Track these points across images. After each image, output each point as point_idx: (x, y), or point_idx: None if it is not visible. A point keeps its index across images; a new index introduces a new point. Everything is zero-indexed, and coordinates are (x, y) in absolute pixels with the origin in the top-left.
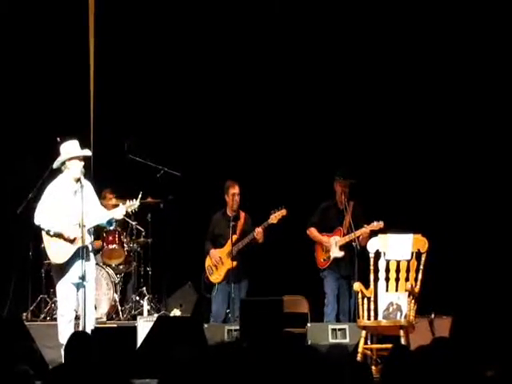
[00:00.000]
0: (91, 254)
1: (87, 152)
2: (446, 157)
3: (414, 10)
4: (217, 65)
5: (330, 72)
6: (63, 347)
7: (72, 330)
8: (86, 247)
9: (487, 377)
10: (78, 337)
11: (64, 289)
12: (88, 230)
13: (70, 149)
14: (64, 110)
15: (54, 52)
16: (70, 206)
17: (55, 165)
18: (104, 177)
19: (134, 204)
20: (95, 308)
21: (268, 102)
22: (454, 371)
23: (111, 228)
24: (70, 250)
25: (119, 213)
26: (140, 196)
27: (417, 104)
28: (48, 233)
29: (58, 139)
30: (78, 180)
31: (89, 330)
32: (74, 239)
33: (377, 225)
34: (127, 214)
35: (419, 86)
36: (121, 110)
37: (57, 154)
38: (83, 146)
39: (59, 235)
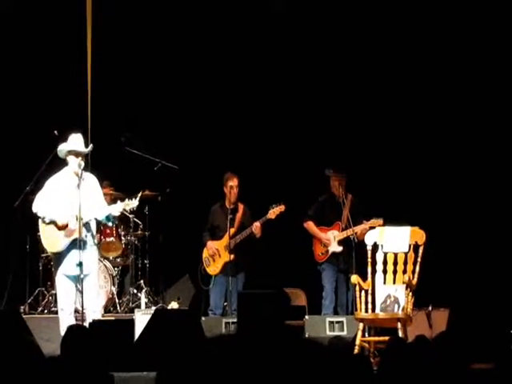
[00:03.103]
0: (93, 248)
1: (80, 147)
2: (443, 150)
3: (411, 8)
4: (214, 58)
5: (329, 67)
6: None
7: (72, 323)
8: (83, 240)
9: (483, 369)
10: (74, 330)
11: (62, 281)
12: (87, 223)
13: (69, 143)
14: (62, 102)
15: (51, 48)
16: (69, 199)
17: (60, 155)
18: (102, 170)
19: (132, 203)
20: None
21: (266, 95)
22: (451, 364)
23: (110, 224)
24: (66, 239)
25: (116, 210)
26: (139, 196)
27: (412, 99)
28: (43, 220)
29: (56, 132)
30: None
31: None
32: (67, 226)
33: (376, 221)
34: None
35: (415, 81)
36: (119, 103)
37: (54, 147)
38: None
39: (53, 223)
